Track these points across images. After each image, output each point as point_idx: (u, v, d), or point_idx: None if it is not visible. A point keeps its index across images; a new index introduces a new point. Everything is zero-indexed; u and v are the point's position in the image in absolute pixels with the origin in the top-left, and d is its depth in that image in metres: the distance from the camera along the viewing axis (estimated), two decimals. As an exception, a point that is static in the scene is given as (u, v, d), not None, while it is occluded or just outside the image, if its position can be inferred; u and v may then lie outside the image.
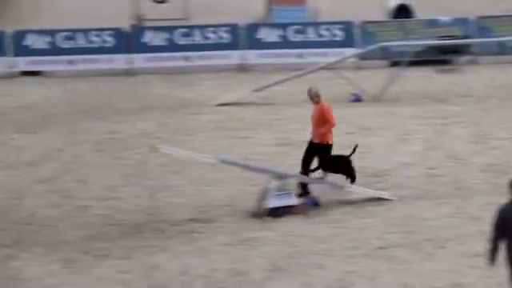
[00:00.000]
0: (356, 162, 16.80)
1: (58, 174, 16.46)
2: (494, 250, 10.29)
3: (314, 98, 15.23)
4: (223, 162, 14.94)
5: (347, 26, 25.33)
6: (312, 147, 15.03)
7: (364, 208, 14.52)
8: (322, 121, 14.99)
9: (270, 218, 14.19)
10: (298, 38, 25.07)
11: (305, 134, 18.68)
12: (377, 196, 14.79)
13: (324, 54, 24.52)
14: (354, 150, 15.27)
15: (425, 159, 16.74)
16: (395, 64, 23.58)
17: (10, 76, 23.66)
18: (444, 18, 23.34)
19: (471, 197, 14.67)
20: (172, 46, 24.37)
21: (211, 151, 17.63)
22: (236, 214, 14.42)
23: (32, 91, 22.36)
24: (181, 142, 18.36)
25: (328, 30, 25.32)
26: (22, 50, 23.81)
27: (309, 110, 20.54)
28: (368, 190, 14.97)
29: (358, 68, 24.42)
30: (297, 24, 25.40)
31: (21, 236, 13.71)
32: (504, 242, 10.20)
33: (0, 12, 31.81)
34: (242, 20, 26.87)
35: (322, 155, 14.90)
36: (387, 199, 14.71)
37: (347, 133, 18.75)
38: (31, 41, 23.94)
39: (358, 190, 14.88)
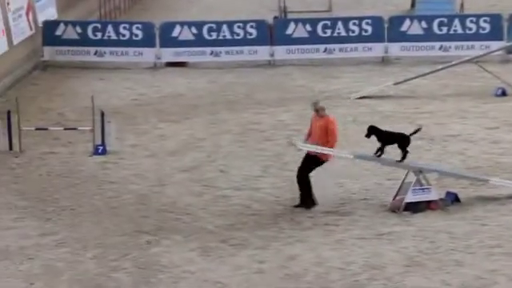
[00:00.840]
0: (498, 158, 16.45)
1: (199, 163, 16.79)
2: None
3: (320, 111, 14.87)
4: (358, 157, 14.88)
5: (495, 19, 24.69)
6: (310, 160, 14.46)
7: (507, 205, 14.18)
8: (326, 135, 14.54)
9: (407, 213, 14.06)
10: (443, 30, 24.62)
11: (445, 129, 18.45)
12: None
13: (469, 47, 24.02)
14: (416, 131, 14.68)
15: None
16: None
17: (156, 67, 24.26)
18: None
19: None
20: (314, 38, 24.37)
21: (348, 145, 17.61)
22: (372, 208, 14.35)
23: (176, 82, 22.86)
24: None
25: (474, 22, 24.76)
26: (169, 42, 24.36)
27: (451, 104, 20.32)
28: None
29: (505, 61, 23.79)
30: (442, 16, 24.94)
31: (162, 223, 14.07)
32: None
33: (149, 5, 32.66)
34: (386, 13, 26.64)
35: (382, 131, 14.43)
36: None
37: (489, 128, 18.37)
38: (177, 32, 24.46)
39: (502, 183, 14.51)
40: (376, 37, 24.48)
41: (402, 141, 14.45)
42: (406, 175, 14.30)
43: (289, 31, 24.48)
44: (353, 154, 14.87)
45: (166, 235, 13.57)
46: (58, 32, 24.27)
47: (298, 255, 12.78)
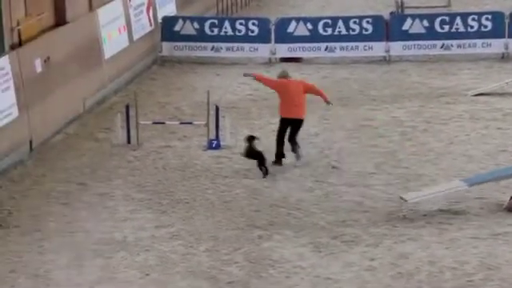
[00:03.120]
0: None
1: (312, 158, 16.81)
2: None
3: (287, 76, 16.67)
4: (472, 184, 14.33)
5: None
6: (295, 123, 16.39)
7: None
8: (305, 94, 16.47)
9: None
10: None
11: None
12: None
13: None
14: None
15: None
16: None
17: (271, 62, 24.39)
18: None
19: None
20: (431, 34, 24.05)
21: (464, 142, 17.35)
22: (487, 207, 14.09)
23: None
24: (434, 131, 18.16)
25: None
26: (284, 37, 24.45)
27: None
28: None
29: None
30: None
31: (273, 218, 14.16)
32: None
33: (265, 1, 32.84)
34: (507, 8, 26.04)
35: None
36: None
37: None
38: (293, 28, 24.51)
39: None
40: (496, 32, 23.95)
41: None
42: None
43: (405, 27, 24.21)
44: (465, 183, 14.31)
45: (278, 230, 13.65)
46: (177, 28, 24.67)
47: (410, 253, 12.67)
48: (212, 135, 17.59)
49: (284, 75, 16.86)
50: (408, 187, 15.18)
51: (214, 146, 17.48)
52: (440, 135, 17.86)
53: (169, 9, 25.91)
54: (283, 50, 24.43)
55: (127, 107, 17.96)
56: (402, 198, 14.16)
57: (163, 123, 18.67)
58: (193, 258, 12.78)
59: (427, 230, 13.46)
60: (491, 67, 23.12)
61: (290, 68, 23.73)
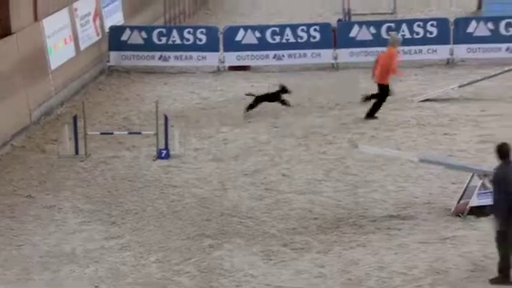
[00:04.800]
0: None
1: (261, 167, 16.83)
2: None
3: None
4: (423, 161, 14.78)
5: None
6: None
7: None
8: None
9: (471, 217, 13.89)
10: (510, 31, 24.27)
11: (511, 132, 18.17)
12: None
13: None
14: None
15: None
16: None
17: (219, 71, 24.40)
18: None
19: None
20: (378, 41, 24.26)
21: (412, 147, 17.49)
22: (436, 212, 14.22)
23: (239, 85, 22.95)
24: (382, 137, 18.31)
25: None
26: (232, 46, 24.48)
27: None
28: None
29: None
30: (509, 17, 24.59)
31: (224, 227, 14.13)
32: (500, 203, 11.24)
33: (213, 10, 32.88)
34: (452, 14, 26.37)
35: None
36: None
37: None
38: (241, 36, 24.56)
39: None
40: (441, 39, 24.25)
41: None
42: (471, 179, 14.13)
43: (352, 34, 24.40)
44: (417, 156, 14.78)
45: (228, 239, 13.63)
46: (124, 37, 24.58)
47: (360, 259, 12.73)
48: (161, 145, 17.52)
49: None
50: (357, 193, 15.27)
51: (163, 155, 17.42)
52: (387, 141, 18.00)
53: (116, 18, 25.81)
54: (232, 59, 24.47)
55: (75, 118, 17.81)
56: (356, 147, 14.97)
57: (111, 133, 18.56)
58: (143, 269, 12.71)
59: (376, 235, 13.54)
60: (437, 73, 23.39)
61: (238, 76, 23.89)
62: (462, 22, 24.55)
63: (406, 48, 24.17)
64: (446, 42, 24.22)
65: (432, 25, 24.43)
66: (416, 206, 14.54)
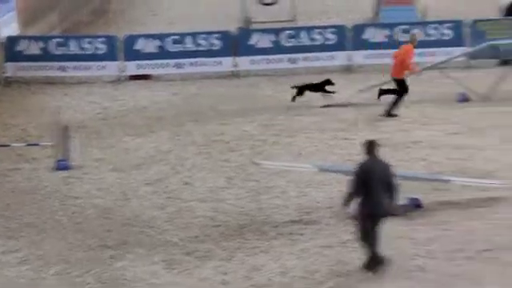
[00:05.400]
0: (462, 163, 16.57)
1: (163, 175, 16.76)
2: (349, 201, 12.11)
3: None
4: (322, 170, 14.97)
5: (456, 25, 24.93)
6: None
7: (469, 210, 14.27)
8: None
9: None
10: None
11: (409, 135, 18.57)
12: (482, 184, 14.47)
13: (432, 54, 24.18)
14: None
15: (533, 160, 16.36)
16: (505, 63, 23.08)
17: (119, 80, 24.21)
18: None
19: None
20: (278, 48, 24.48)
21: (313, 153, 17.68)
22: (337, 216, 14.38)
23: (140, 95, 22.83)
24: (284, 143, 18.44)
25: (436, 29, 24.97)
26: (132, 55, 24.33)
27: (415, 111, 20.43)
28: (474, 179, 14.68)
29: (468, 67, 24.00)
30: (404, 24, 25.12)
31: (126, 237, 14.01)
32: (361, 196, 11.84)
33: (112, 19, 32.62)
34: (350, 21, 26.77)
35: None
36: (494, 193, 14.38)
37: (452, 133, 18.51)
38: (141, 45, 24.44)
39: (463, 182, 14.61)
40: (339, 45, 24.60)
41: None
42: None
43: (252, 42, 24.54)
44: (316, 167, 14.95)
45: (130, 249, 13.51)
46: (21, 48, 24.17)
47: (263, 265, 12.78)
48: (61, 156, 17.27)
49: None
50: (259, 200, 15.34)
51: (62, 166, 17.17)
52: (289, 147, 18.15)
53: (11, 29, 25.32)
54: (132, 68, 24.32)
55: (-29, 130, 17.44)
56: (254, 163, 14.62)
57: (8, 145, 18.21)
58: (42, 283, 12.49)
59: (278, 241, 13.62)
60: (336, 79, 23.62)
61: (139, 85, 23.75)
62: (360, 29, 24.96)
63: (306, 55, 24.43)
64: (344, 49, 24.57)
65: (330, 32, 24.76)
66: (318, 211, 14.68)
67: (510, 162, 16.36)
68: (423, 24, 25.46)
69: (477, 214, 14.02)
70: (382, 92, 20.56)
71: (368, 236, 12.06)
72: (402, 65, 20.09)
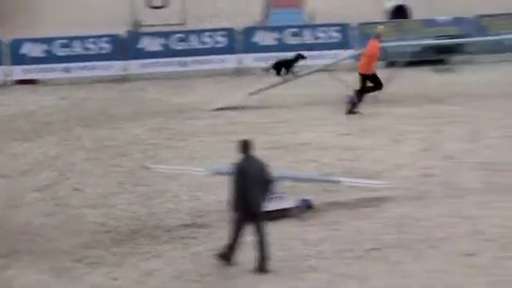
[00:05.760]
0: (350, 163, 16.82)
1: (52, 182, 16.46)
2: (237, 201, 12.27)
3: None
4: (214, 173, 14.96)
5: (344, 28, 25.32)
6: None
7: (358, 210, 14.49)
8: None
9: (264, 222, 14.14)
10: (295, 40, 25.05)
11: (299, 137, 18.74)
12: (371, 186, 14.73)
13: (321, 56, 24.48)
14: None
15: (419, 160, 16.71)
16: (392, 64, 23.55)
17: (5, 85, 23.69)
18: (441, 18, 23.34)
19: (464, 196, 14.64)
20: (168, 52, 24.38)
21: (206, 156, 17.64)
22: (228, 219, 14.36)
23: (27, 99, 22.39)
24: (175, 147, 18.36)
25: (324, 32, 25.30)
26: (19, 59, 23.84)
27: (305, 112, 20.65)
28: (362, 180, 14.94)
29: (355, 69, 24.35)
30: (293, 27, 25.38)
31: (15, 245, 13.69)
32: (237, 194, 12.17)
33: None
34: (240, 24, 26.87)
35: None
36: (380, 197, 14.65)
37: (341, 134, 18.76)
38: (27, 49, 23.97)
39: (352, 182, 14.85)
40: (229, 48, 24.67)
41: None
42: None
43: (142, 45, 24.37)
44: (209, 170, 14.93)
45: (20, 257, 13.21)
46: None
47: (156, 270, 12.68)
48: None
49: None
50: (151, 204, 15.22)
51: None
52: (181, 151, 18.07)
53: None
54: (18, 72, 23.82)
55: None
56: (145, 167, 14.55)
57: None
58: None
59: (171, 245, 13.54)
60: (227, 82, 23.75)
61: (26, 90, 23.27)
62: (250, 32, 25.08)
63: (197, 58, 24.40)
64: (235, 52, 24.65)
65: (220, 35, 24.80)
66: (210, 214, 14.66)
67: (397, 162, 16.68)
68: (312, 27, 25.76)
69: (365, 214, 14.25)
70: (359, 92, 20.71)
71: (240, 233, 12.32)
72: (369, 61, 20.47)
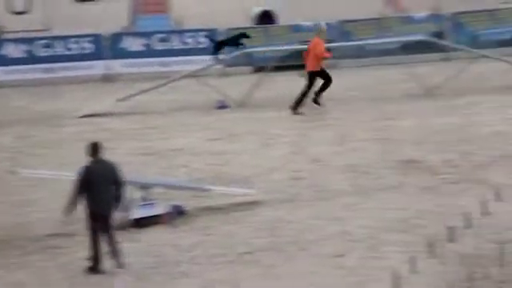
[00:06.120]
0: (221, 168, 16.89)
1: None
2: (74, 204, 12.43)
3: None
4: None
5: (211, 33, 25.40)
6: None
7: (229, 214, 14.55)
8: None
9: (134, 229, 14.03)
10: (162, 46, 24.99)
11: (170, 143, 18.68)
12: (241, 194, 14.83)
13: (189, 62, 24.50)
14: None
15: (288, 163, 16.92)
16: (259, 70, 23.79)
17: None
18: (306, 24, 23.73)
19: (332, 198, 14.90)
20: (32, 58, 23.89)
21: (75, 163, 17.31)
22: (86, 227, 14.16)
23: None
24: (42, 155, 18.00)
25: (192, 37, 25.34)
26: None
27: (175, 118, 20.62)
28: (232, 188, 15.02)
29: (223, 75, 24.51)
30: (161, 32, 25.31)
31: None
32: (86, 197, 12.28)
33: None
34: (107, 30, 26.59)
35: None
36: (251, 202, 14.75)
37: (211, 139, 18.82)
38: None
39: (222, 191, 14.90)
40: (96, 54, 24.39)
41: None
42: (131, 191, 14.27)
43: (5, 51, 23.81)
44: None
45: None
46: None
47: (23, 281, 12.38)
48: None
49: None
50: (20, 213, 14.87)
51: None
52: (48, 158, 17.73)
53: None
54: None
55: None
56: (14, 172, 14.42)
57: None
58: None
59: (40, 255, 13.25)
60: (95, 88, 23.46)
61: None
62: (117, 38, 24.86)
63: (63, 65, 24.01)
64: (102, 58, 24.39)
65: (87, 41, 24.48)
66: (80, 222, 14.28)
67: (267, 165, 16.84)
68: (180, 32, 25.76)
69: (237, 219, 14.32)
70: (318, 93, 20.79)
71: (96, 237, 12.29)
72: (314, 58, 20.51)
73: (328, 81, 20.79)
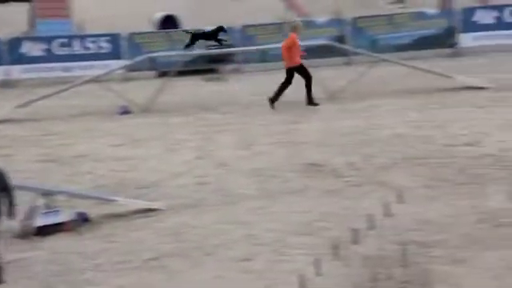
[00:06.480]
0: (125, 174, 16.76)
1: None
2: None
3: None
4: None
5: (114, 38, 25.21)
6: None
7: (134, 221, 14.43)
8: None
9: (38, 237, 13.79)
10: (64, 51, 24.67)
11: (73, 149, 18.43)
12: (146, 207, 14.75)
13: (91, 67, 24.27)
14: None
15: (194, 168, 16.90)
16: (163, 74, 23.71)
17: None
18: (209, 28, 23.78)
19: (238, 202, 14.93)
20: None
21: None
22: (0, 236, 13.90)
23: None
24: None
25: (94, 42, 25.09)
26: None
27: (78, 124, 20.36)
28: (138, 201, 14.92)
29: (126, 80, 24.36)
30: (62, 37, 24.98)
31: None
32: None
33: None
34: (5, 35, 26.10)
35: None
36: (157, 209, 14.70)
37: (115, 145, 18.65)
38: None
39: (127, 202, 14.79)
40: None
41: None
42: (34, 199, 14.03)
43: None
44: None
45: None
46: None
47: None
48: None
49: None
50: None
51: None
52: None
53: None
54: None
55: None
56: None
57: None
58: None
59: None
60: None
61: None
62: (16, 42, 24.43)
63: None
64: (0, 63, 23.94)
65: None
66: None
67: (172, 171, 16.78)
68: (82, 37, 25.47)
69: (142, 225, 14.20)
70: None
71: None
72: (290, 54, 20.52)
73: (308, 79, 20.93)
